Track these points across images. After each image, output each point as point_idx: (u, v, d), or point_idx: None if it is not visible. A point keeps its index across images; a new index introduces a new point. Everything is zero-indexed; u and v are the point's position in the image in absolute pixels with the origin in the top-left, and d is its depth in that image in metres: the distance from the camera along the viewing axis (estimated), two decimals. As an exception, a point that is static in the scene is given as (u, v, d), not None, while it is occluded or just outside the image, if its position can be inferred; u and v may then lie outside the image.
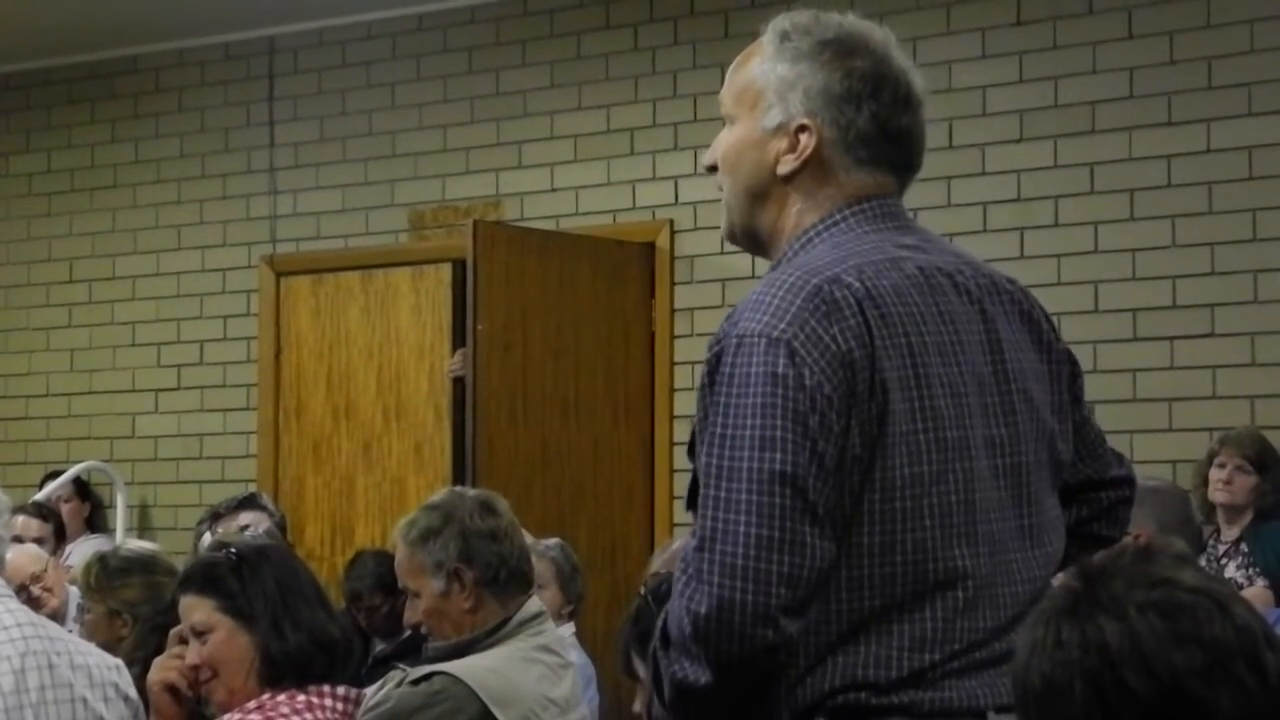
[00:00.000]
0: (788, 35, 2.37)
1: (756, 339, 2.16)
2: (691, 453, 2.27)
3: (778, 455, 2.12)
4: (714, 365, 2.21)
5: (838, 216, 2.33)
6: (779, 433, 2.13)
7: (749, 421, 2.14)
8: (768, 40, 2.39)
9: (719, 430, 2.16)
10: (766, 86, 2.36)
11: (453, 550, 3.72)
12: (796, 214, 2.35)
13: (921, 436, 2.19)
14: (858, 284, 2.20)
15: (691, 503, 2.25)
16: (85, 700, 3.20)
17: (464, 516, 3.76)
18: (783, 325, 2.16)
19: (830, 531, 2.14)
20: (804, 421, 2.13)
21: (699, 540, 2.15)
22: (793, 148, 2.34)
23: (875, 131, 2.34)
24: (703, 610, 2.12)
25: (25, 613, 3.21)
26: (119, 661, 3.31)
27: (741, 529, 2.12)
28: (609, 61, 7.75)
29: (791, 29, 2.38)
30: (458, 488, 4.03)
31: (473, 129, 8.02)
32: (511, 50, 7.96)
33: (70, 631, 4.14)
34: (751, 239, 2.42)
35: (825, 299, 2.18)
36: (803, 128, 2.33)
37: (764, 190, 2.37)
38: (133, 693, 3.27)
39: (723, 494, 2.14)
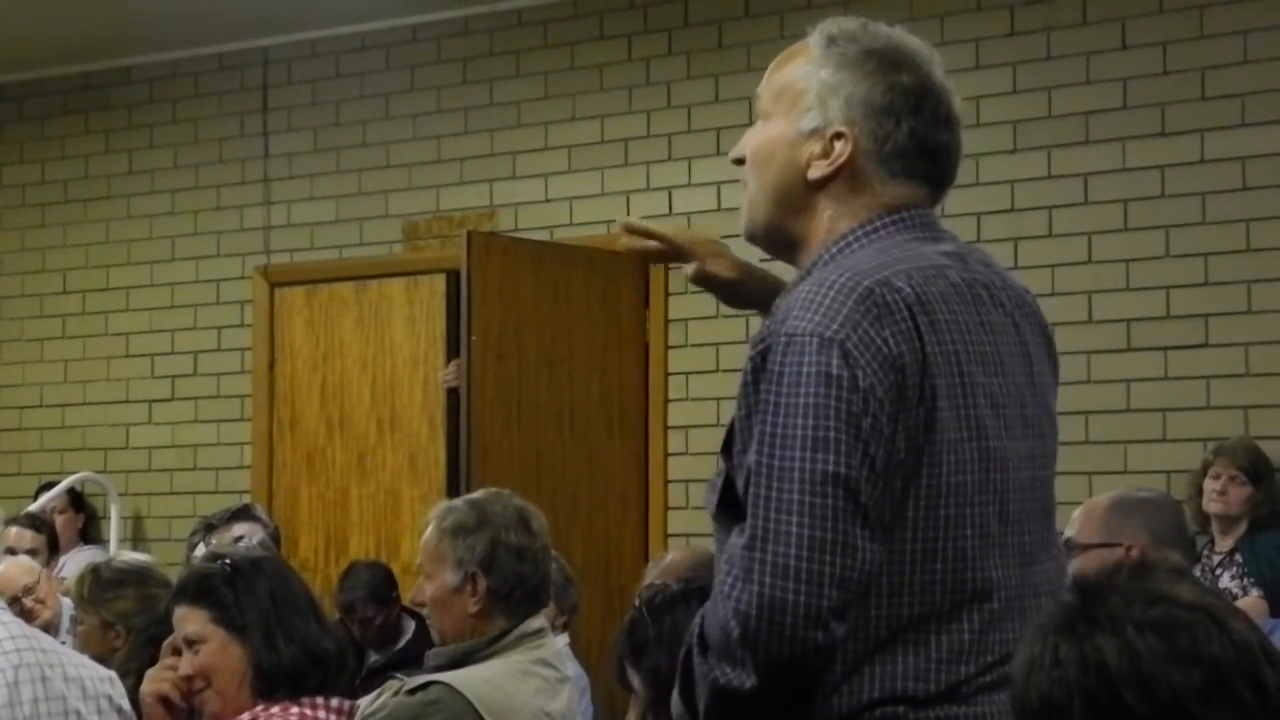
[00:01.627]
0: (834, 40, 2.35)
1: (808, 338, 2.14)
2: (726, 450, 2.25)
3: (830, 456, 2.11)
4: (759, 363, 2.18)
5: (877, 223, 2.31)
6: (832, 434, 2.11)
7: (800, 421, 2.12)
8: (814, 43, 2.37)
9: (768, 429, 2.14)
10: (808, 89, 2.34)
11: (478, 554, 3.71)
12: (829, 220, 2.33)
13: (967, 446, 2.19)
14: (908, 289, 2.19)
15: (724, 504, 2.24)
16: (79, 713, 3.19)
17: (500, 525, 3.75)
18: (835, 326, 2.14)
19: (878, 535, 2.13)
20: (857, 423, 2.12)
21: (748, 540, 2.13)
22: (826, 153, 2.32)
23: (912, 147, 2.32)
24: (753, 611, 2.10)
25: (18, 625, 3.20)
26: (112, 674, 3.30)
27: (794, 530, 2.10)
28: (603, 72, 7.75)
29: (839, 34, 2.36)
30: (504, 491, 3.99)
31: (467, 139, 8.03)
32: (505, 61, 7.96)
33: (64, 643, 4.13)
34: (774, 240, 2.39)
35: (877, 301, 2.17)
36: (839, 135, 2.31)
37: (791, 192, 2.35)
38: (126, 705, 3.26)
39: (773, 494, 2.12)
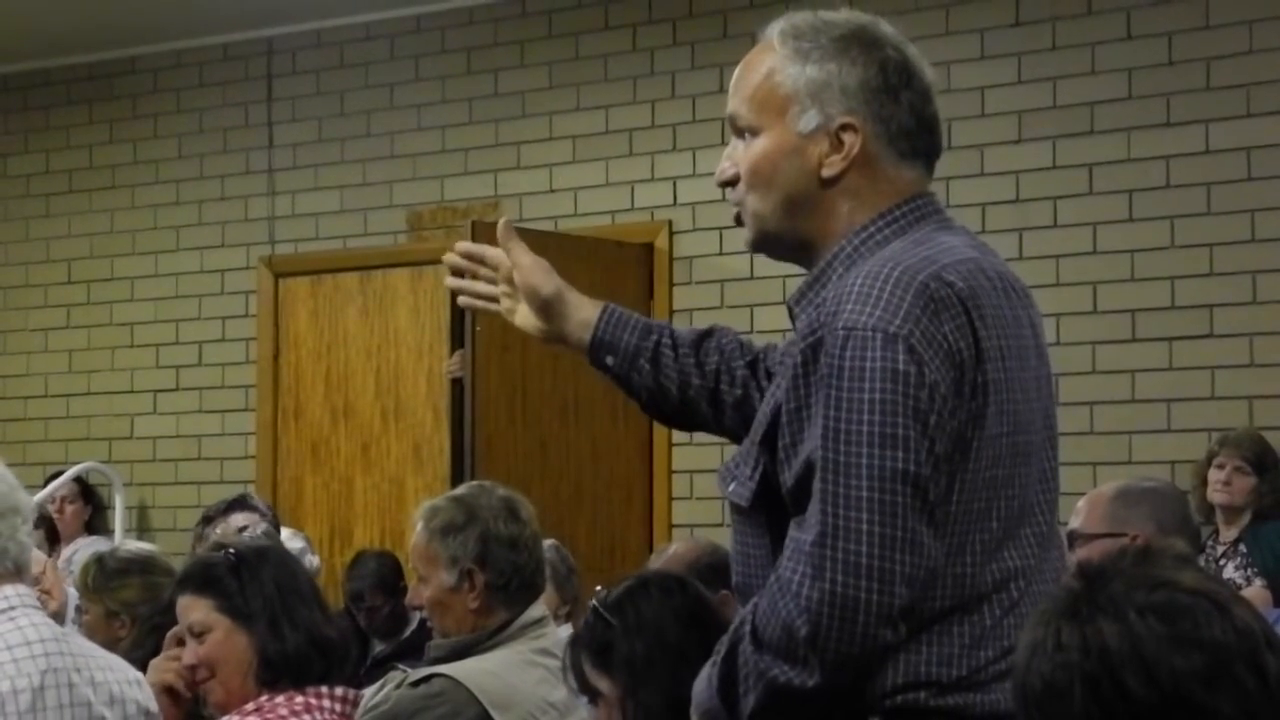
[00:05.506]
0: (800, 36, 2.32)
1: (871, 333, 2.12)
2: (765, 443, 2.23)
3: (900, 453, 2.10)
4: (810, 355, 2.16)
5: (896, 213, 2.30)
6: (901, 430, 2.10)
7: (867, 417, 2.10)
8: (778, 44, 2.33)
9: (832, 425, 2.12)
10: (796, 90, 2.30)
11: (471, 550, 3.69)
12: (848, 214, 2.30)
13: (1003, 440, 2.19)
14: (960, 283, 2.18)
15: (759, 499, 2.23)
16: (104, 718, 3.16)
17: (489, 518, 3.73)
18: (898, 321, 2.12)
19: (938, 531, 2.13)
20: (924, 420, 2.11)
21: (817, 537, 2.11)
22: (836, 149, 2.29)
23: (914, 122, 2.31)
24: (824, 610, 2.09)
25: (50, 627, 3.14)
26: (140, 676, 3.27)
27: (864, 527, 2.09)
28: (608, 62, 7.75)
29: (801, 30, 2.32)
30: (486, 482, 3.97)
31: (471, 130, 8.02)
32: (510, 51, 7.96)
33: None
34: (787, 246, 2.36)
35: (934, 296, 2.15)
36: (845, 127, 2.29)
37: (807, 197, 2.31)
38: (153, 706, 3.23)
39: (840, 490, 2.11)
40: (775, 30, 2.35)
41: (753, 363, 2.64)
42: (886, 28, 2.35)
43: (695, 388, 2.64)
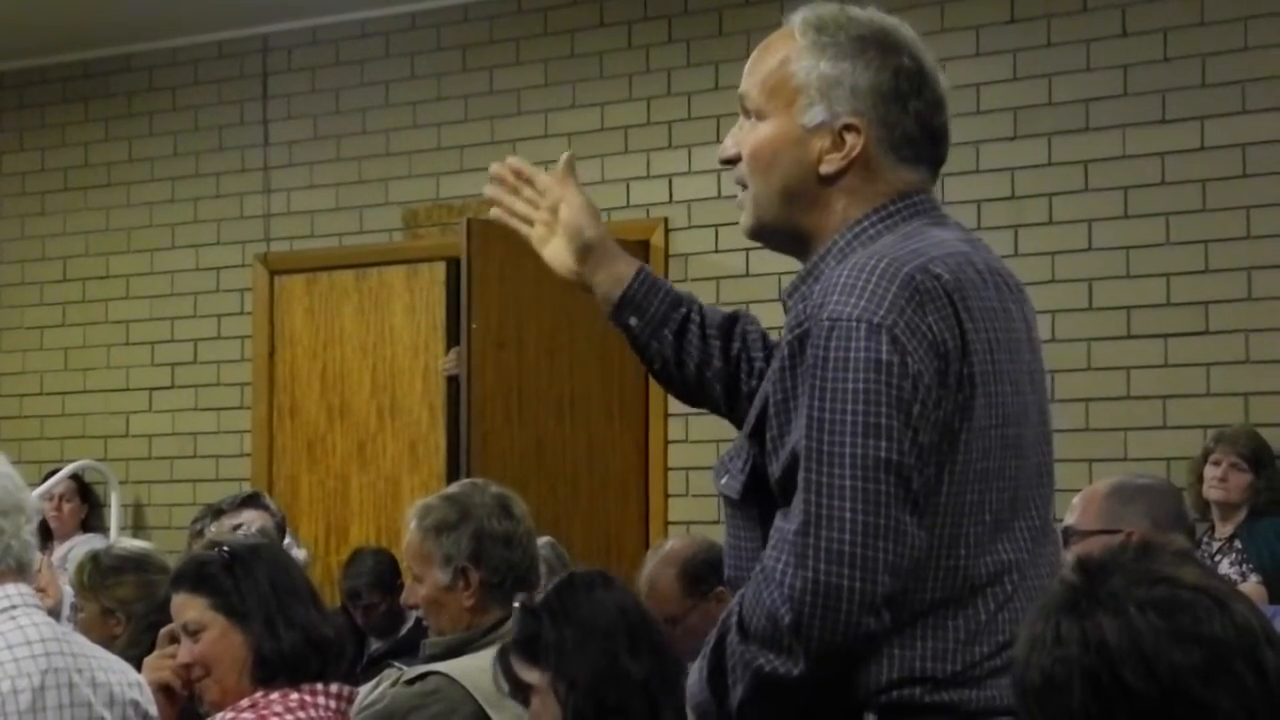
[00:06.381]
0: (822, 29, 2.33)
1: (855, 324, 2.13)
2: (755, 436, 2.24)
3: (883, 443, 2.11)
4: (796, 347, 2.18)
5: (891, 208, 2.30)
6: (884, 420, 2.11)
7: (851, 406, 2.12)
8: (800, 33, 2.34)
9: (816, 414, 2.14)
10: (807, 83, 2.31)
11: (465, 548, 3.70)
12: (842, 209, 2.31)
13: (993, 432, 2.20)
14: (947, 275, 2.19)
15: (750, 492, 2.24)
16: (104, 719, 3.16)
17: (482, 516, 3.73)
18: (882, 311, 2.14)
19: (923, 521, 2.14)
20: (908, 409, 2.12)
21: (800, 525, 2.12)
22: (837, 147, 2.30)
23: (919, 131, 2.32)
24: (807, 598, 2.10)
25: (50, 626, 3.14)
26: (140, 679, 3.27)
27: (848, 515, 2.10)
28: (603, 59, 7.75)
29: (824, 23, 2.33)
30: (478, 480, 3.98)
31: (466, 127, 8.02)
32: (505, 48, 7.96)
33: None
34: (783, 237, 2.38)
35: (919, 287, 2.16)
36: (849, 127, 2.30)
37: (802, 190, 2.32)
38: (153, 710, 3.23)
39: (824, 479, 2.12)
40: (798, 18, 2.36)
41: (769, 357, 2.65)
42: (909, 33, 2.37)
43: (714, 369, 2.63)
